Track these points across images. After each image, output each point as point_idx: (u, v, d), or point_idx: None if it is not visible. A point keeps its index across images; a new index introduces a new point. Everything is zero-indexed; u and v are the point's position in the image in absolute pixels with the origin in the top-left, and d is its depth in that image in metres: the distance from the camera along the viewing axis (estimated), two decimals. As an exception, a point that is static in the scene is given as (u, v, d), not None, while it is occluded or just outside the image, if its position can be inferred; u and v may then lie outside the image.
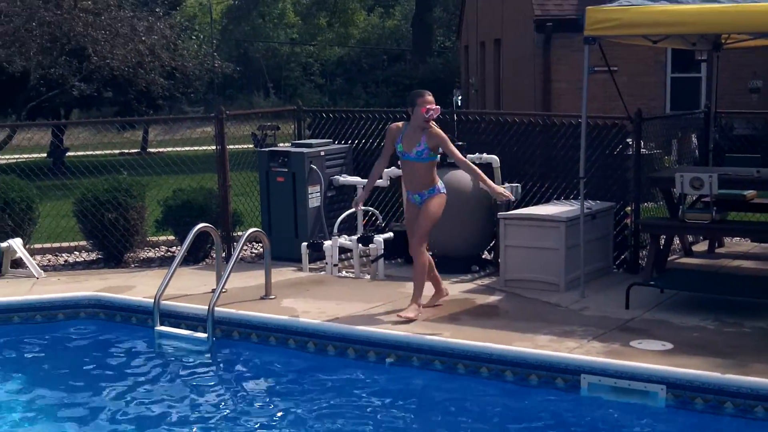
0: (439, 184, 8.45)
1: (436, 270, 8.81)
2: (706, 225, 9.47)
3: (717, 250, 11.10)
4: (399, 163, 8.75)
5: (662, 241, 9.96)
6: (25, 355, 8.56)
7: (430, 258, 8.73)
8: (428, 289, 8.91)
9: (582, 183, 9.12)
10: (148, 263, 11.24)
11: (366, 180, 10.96)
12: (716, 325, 8.06)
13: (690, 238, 11.08)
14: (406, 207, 8.74)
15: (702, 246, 11.28)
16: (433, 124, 8.32)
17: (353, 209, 10.78)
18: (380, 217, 11.05)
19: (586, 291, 9.06)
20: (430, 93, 8.38)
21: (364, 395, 7.35)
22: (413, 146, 8.28)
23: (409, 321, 8.14)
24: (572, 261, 9.21)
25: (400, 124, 8.51)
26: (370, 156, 11.48)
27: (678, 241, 10.91)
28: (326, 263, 10.31)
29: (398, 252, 10.60)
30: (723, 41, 10.80)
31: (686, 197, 9.69)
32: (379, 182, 10.88)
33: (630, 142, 10.07)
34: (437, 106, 8.29)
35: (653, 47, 10.60)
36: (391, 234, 10.36)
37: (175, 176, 13.81)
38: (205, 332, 8.45)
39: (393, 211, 11.38)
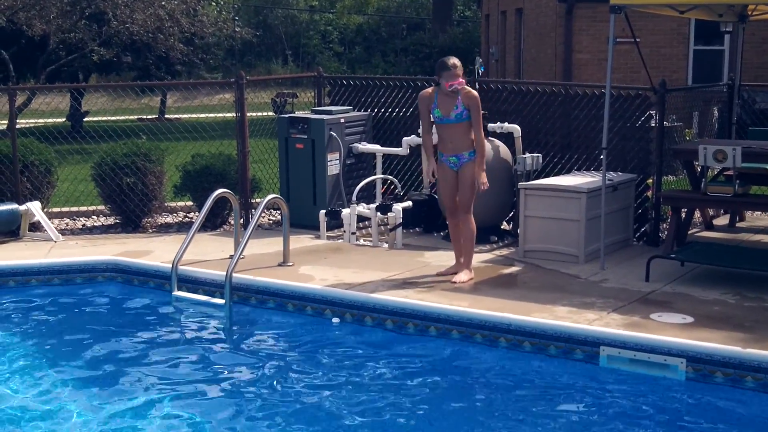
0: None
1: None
2: (729, 198, 9.38)
3: (738, 224, 11.02)
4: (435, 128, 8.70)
5: (683, 214, 9.88)
6: (42, 318, 8.56)
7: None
8: (449, 259, 8.90)
9: (604, 153, 9.04)
10: (165, 228, 11.23)
11: (388, 148, 10.98)
12: (737, 299, 8.00)
13: (711, 212, 11.00)
14: (439, 171, 8.63)
15: (723, 220, 11.20)
16: (466, 86, 8.39)
17: (373, 178, 10.77)
18: (399, 186, 11.00)
19: (605, 263, 9.00)
20: (455, 60, 8.35)
21: (380, 363, 7.33)
22: (451, 109, 8.33)
23: (463, 283, 8.43)
24: (592, 232, 9.14)
25: (430, 90, 8.53)
26: (390, 123, 11.43)
27: (699, 215, 10.83)
28: (344, 231, 10.28)
29: (417, 221, 10.56)
30: (749, 13, 10.66)
31: (708, 170, 9.60)
32: (399, 151, 10.86)
33: (653, 114, 9.97)
34: (461, 79, 8.27)
35: (676, 18, 10.48)
36: (410, 203, 10.32)
37: (194, 142, 13.80)
38: (223, 298, 8.44)
39: (412, 180, 11.33)
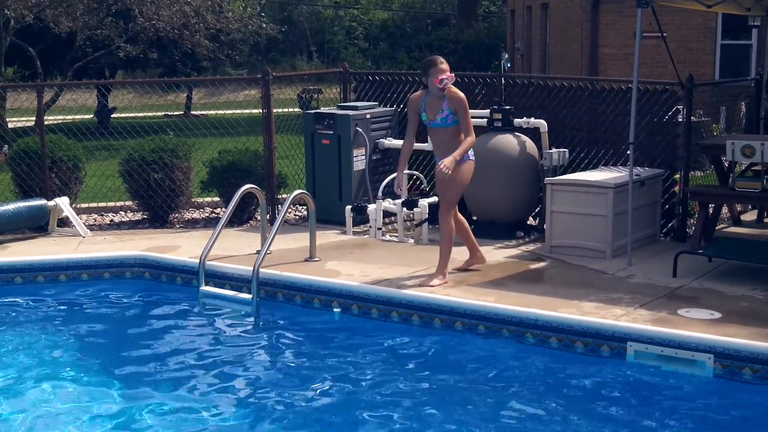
0: (469, 151, 8.34)
1: (472, 235, 8.80)
2: (757, 193, 9.33)
3: (766, 220, 10.95)
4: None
5: (711, 210, 9.83)
6: (71, 313, 8.62)
7: (466, 222, 8.72)
8: (464, 253, 8.90)
9: (631, 149, 9.01)
10: (192, 224, 11.28)
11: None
12: (765, 294, 7.95)
13: (739, 207, 10.94)
14: (436, 173, 8.47)
15: (751, 215, 11.14)
16: (452, 87, 8.19)
17: (394, 175, 10.77)
18: (425, 181, 11.00)
19: (632, 258, 8.97)
20: (443, 59, 8.22)
21: (407, 358, 7.34)
22: (437, 113, 8.19)
23: (432, 288, 8.15)
24: (619, 228, 9.11)
25: (419, 93, 8.42)
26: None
27: (726, 210, 10.78)
28: (370, 227, 10.29)
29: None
30: (777, 6, 10.59)
31: (736, 165, 9.55)
32: (424, 146, 10.84)
33: (680, 109, 9.93)
34: (450, 74, 8.15)
35: (703, 13, 10.43)
36: (435, 198, 10.31)
37: (220, 138, 13.84)
38: (250, 293, 8.46)
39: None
